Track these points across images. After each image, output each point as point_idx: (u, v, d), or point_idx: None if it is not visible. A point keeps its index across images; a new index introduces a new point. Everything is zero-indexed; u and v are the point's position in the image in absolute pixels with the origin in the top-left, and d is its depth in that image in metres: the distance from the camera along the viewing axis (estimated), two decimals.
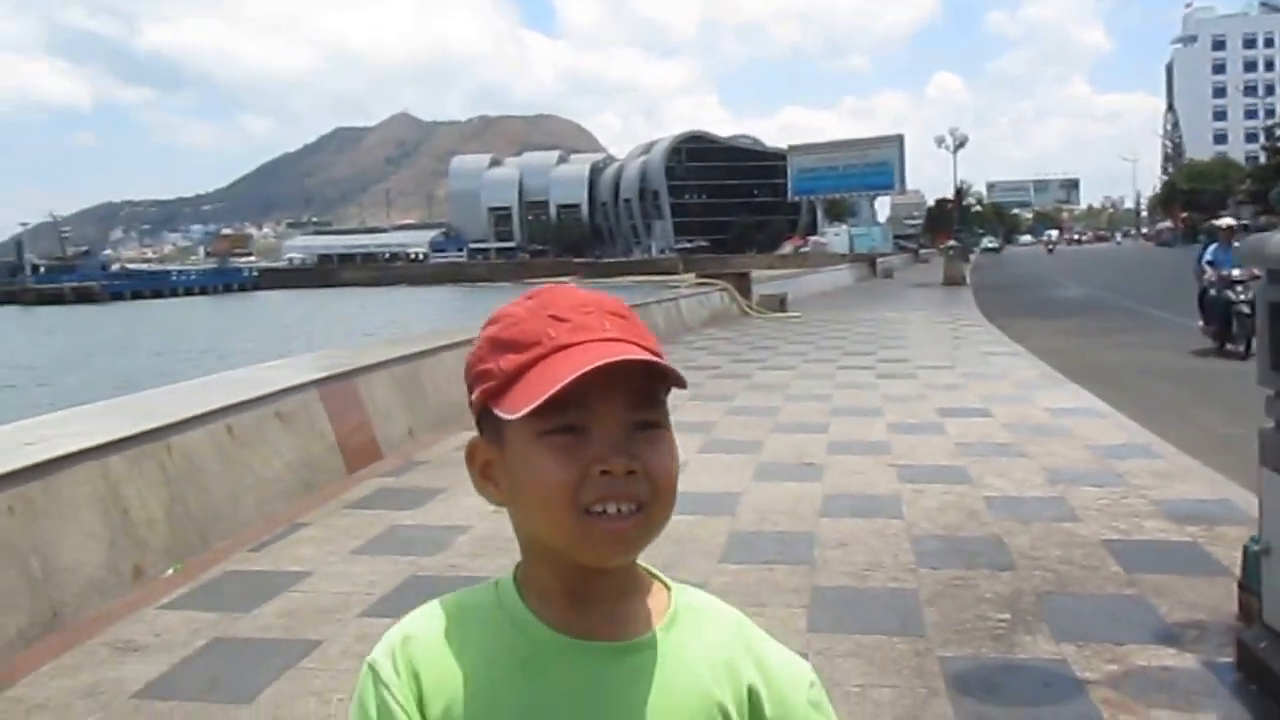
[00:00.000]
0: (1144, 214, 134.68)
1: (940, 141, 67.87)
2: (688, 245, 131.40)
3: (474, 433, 1.12)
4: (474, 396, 1.09)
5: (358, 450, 8.63)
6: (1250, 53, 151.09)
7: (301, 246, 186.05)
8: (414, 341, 11.09)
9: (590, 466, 1.01)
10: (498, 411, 1.04)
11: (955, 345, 17.44)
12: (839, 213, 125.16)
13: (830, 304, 31.10)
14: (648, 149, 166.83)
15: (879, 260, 58.11)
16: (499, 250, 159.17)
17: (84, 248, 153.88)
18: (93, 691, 4.32)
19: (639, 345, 1.03)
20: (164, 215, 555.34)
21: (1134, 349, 16.37)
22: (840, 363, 15.09)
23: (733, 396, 11.84)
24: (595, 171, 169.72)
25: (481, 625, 1.09)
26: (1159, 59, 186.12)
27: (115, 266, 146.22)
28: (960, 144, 67.23)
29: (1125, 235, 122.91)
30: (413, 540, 6.33)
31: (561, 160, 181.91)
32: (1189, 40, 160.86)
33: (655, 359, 1.02)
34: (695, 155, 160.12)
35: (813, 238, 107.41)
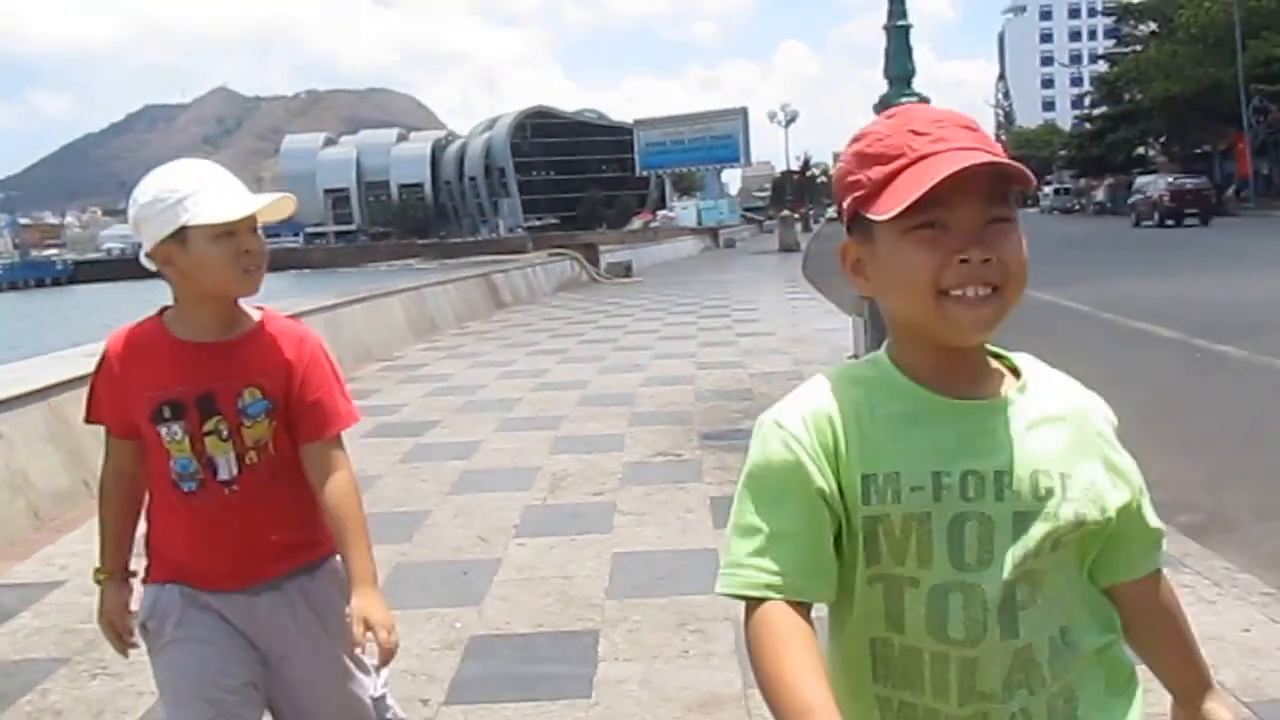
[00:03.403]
0: None
1: (773, 116, 72.93)
2: (536, 223, 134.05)
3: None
4: (845, 204, 1.34)
5: None
6: (1075, 22, 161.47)
7: (120, 236, 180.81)
8: (332, 298, 14.51)
9: (950, 256, 1.25)
10: (869, 215, 1.29)
11: (767, 295, 21.71)
12: (688, 186, 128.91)
13: (673, 271, 35.21)
14: (491, 125, 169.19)
15: (722, 232, 62.63)
16: (338, 234, 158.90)
17: None
18: None
19: (990, 153, 1.25)
20: None
21: None
22: (671, 310, 19.09)
23: (583, 333, 15.72)
24: (438, 149, 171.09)
25: (871, 391, 1.34)
26: (996, 27, 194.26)
27: None
28: (791, 119, 72.40)
29: None
30: (372, 410, 9.86)
31: (401, 138, 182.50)
32: (1019, 10, 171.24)
33: (1005, 161, 1.24)
34: (541, 131, 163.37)
35: (661, 212, 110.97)
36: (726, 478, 6.53)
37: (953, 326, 1.26)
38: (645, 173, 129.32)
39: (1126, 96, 71.16)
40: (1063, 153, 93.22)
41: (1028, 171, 1.26)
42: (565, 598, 4.70)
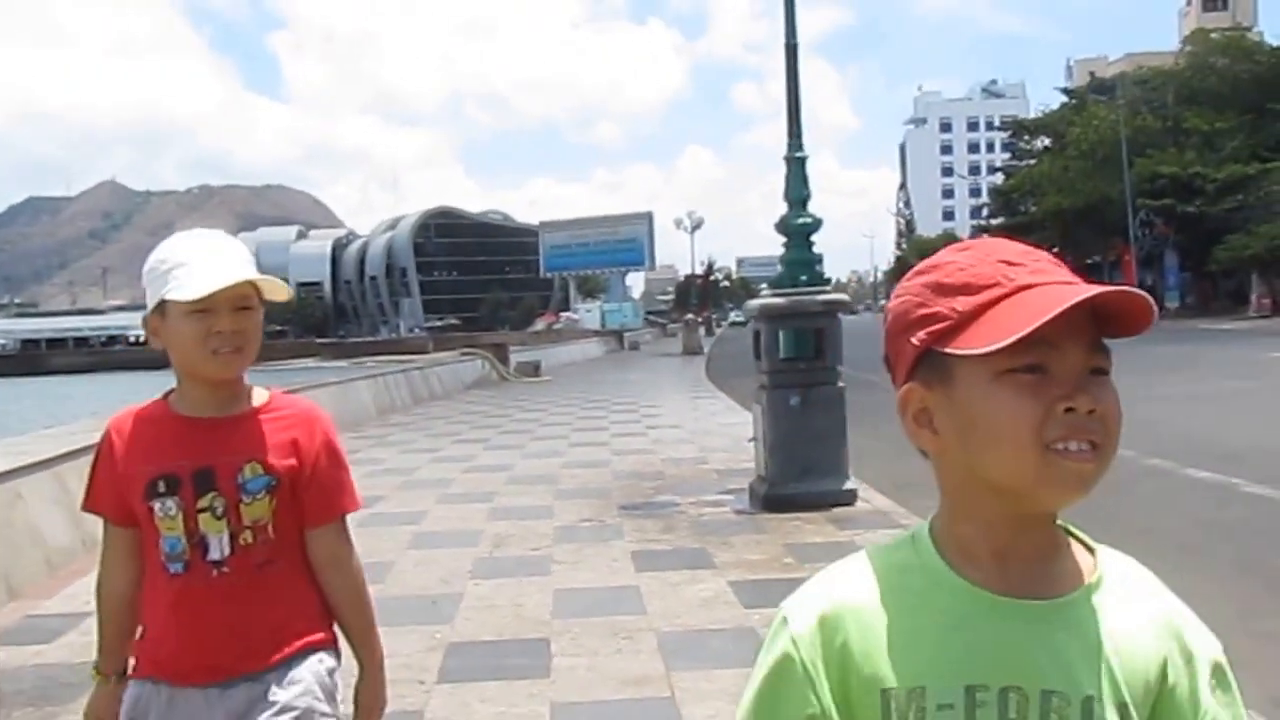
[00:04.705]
0: (881, 287, 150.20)
1: (679, 223, 75.71)
2: (438, 323, 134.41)
3: None
4: (916, 340, 1.14)
5: None
6: (974, 135, 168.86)
7: (3, 331, 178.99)
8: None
9: (1055, 404, 1.07)
10: (954, 350, 1.10)
11: (673, 393, 23.37)
12: (592, 289, 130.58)
13: (580, 371, 36.80)
14: (394, 224, 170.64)
15: (626, 334, 64.53)
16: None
17: None
18: None
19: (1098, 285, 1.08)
20: None
21: None
22: (583, 406, 20.57)
23: (501, 425, 17.05)
24: (338, 248, 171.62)
25: (905, 587, 1.15)
26: (898, 138, 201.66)
27: None
28: (697, 226, 75.23)
29: (866, 308, 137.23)
30: None
31: (301, 236, 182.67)
32: (919, 122, 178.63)
33: (1138, 292, 1.08)
34: (444, 231, 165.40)
35: (565, 314, 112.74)
36: (644, 537, 7.93)
37: (1054, 484, 1.08)
38: (549, 274, 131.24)
39: (1022, 208, 75.04)
40: None
41: (1152, 304, 1.10)
42: (520, 618, 6.00)
